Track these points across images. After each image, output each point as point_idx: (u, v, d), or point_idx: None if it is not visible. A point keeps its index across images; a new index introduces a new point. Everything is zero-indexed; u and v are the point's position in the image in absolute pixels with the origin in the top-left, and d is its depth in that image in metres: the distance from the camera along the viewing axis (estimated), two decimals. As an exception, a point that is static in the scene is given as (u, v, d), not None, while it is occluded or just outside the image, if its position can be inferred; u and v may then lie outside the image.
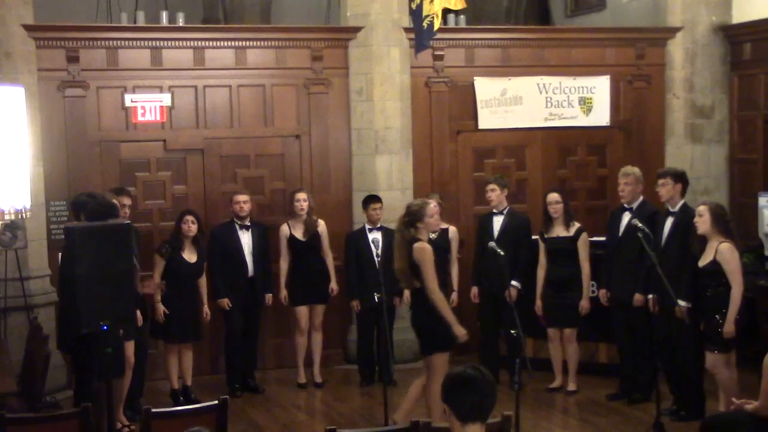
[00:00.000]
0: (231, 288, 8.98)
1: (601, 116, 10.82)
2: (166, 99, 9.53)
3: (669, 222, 8.06)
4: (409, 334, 9.39)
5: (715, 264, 7.30)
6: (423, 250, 7.06)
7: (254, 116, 9.85)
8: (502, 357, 8.84)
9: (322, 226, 9.30)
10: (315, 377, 9.37)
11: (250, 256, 9.04)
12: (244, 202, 9.02)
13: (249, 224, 9.10)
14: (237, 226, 9.07)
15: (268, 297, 9.22)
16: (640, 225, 7.65)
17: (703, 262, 7.40)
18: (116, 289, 6.10)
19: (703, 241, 7.42)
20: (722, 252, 7.26)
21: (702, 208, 7.43)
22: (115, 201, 7.68)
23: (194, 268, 8.70)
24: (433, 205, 7.23)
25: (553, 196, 8.80)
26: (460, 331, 7.13)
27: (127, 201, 8.34)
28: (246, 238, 9.06)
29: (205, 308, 8.83)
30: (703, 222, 7.36)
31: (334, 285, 9.31)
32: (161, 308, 8.49)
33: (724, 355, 7.35)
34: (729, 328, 7.25)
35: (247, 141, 9.84)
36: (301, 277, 9.23)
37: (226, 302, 8.96)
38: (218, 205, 9.54)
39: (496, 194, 8.99)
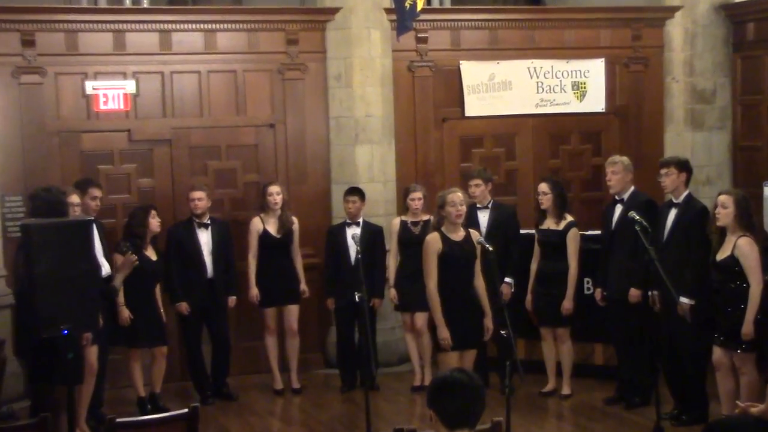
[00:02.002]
0: (189, 291, 8.94)
1: (595, 102, 10.85)
2: (130, 86, 9.49)
3: (672, 214, 8.04)
4: (392, 336, 9.95)
5: (732, 259, 7.24)
6: (425, 242, 7.29)
7: (225, 104, 9.85)
8: (492, 359, 8.77)
9: (295, 224, 9.32)
10: (292, 383, 9.37)
11: (209, 256, 8.98)
12: (198, 199, 8.95)
13: (208, 222, 9.06)
14: (195, 225, 9.02)
15: (231, 300, 9.16)
16: (637, 218, 7.62)
17: (720, 256, 7.33)
18: (78, 291, 6.04)
19: (722, 233, 7.37)
20: (741, 247, 7.20)
21: (725, 198, 7.34)
22: (74, 196, 7.68)
23: (156, 267, 8.68)
24: (452, 194, 7.31)
25: (542, 186, 8.84)
26: (442, 334, 7.20)
27: (97, 193, 8.33)
28: (205, 237, 9.02)
29: (161, 310, 8.79)
30: (726, 214, 7.29)
31: (304, 286, 9.31)
32: (126, 312, 8.41)
33: (751, 354, 7.27)
34: (747, 329, 7.17)
35: (218, 131, 9.83)
36: (270, 276, 9.21)
37: (184, 307, 8.93)
38: (187, 200, 9.37)
39: (480, 189, 8.99)
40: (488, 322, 7.42)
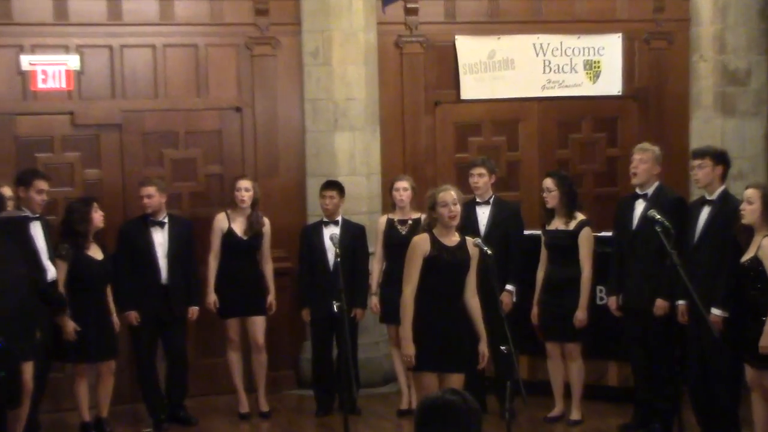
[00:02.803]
0: (140, 298, 8.93)
1: (611, 84, 10.88)
2: (73, 61, 9.46)
3: (705, 212, 8.04)
4: (376, 352, 9.98)
5: (755, 261, 7.24)
6: (412, 241, 7.27)
7: (184, 84, 9.84)
8: (490, 379, 8.81)
9: (266, 225, 9.33)
10: (260, 405, 9.37)
11: (164, 260, 8.97)
12: (148, 196, 8.94)
13: (164, 220, 9.04)
14: (148, 223, 9.01)
15: (192, 311, 9.14)
16: (657, 217, 7.59)
17: (745, 258, 7.34)
18: (12, 297, 6.00)
19: (749, 232, 7.38)
20: (765, 247, 7.20)
21: (752, 193, 7.35)
22: (5, 188, 7.66)
23: (105, 267, 8.68)
24: (444, 193, 7.24)
25: (547, 182, 8.83)
26: (405, 349, 7.16)
27: (43, 186, 8.34)
28: (160, 237, 9.01)
29: (114, 318, 8.79)
30: (752, 210, 7.31)
31: (272, 298, 9.32)
32: (71, 324, 8.37)
33: None
34: (765, 341, 7.14)
35: (176, 114, 9.83)
36: (232, 282, 9.22)
37: (133, 316, 8.91)
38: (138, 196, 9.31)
39: (484, 180, 8.99)
40: (483, 347, 7.33)
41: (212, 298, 9.18)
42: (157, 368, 9.13)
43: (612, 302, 8.66)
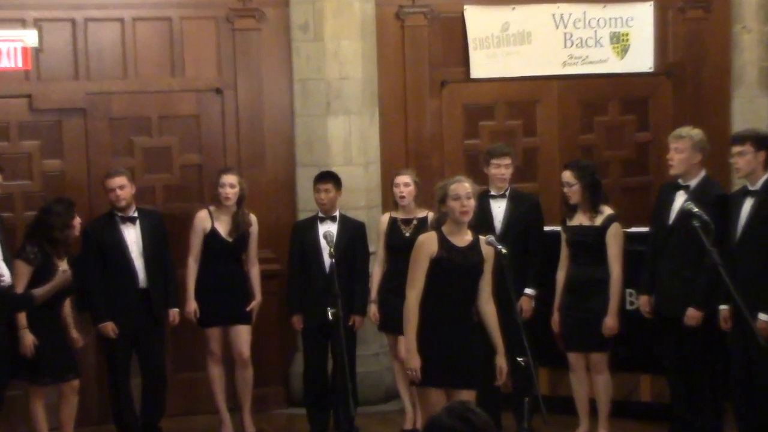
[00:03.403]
0: (116, 307, 8.92)
1: (641, 59, 10.87)
2: (30, 37, 9.43)
3: (748, 205, 8.04)
4: (376, 365, 10.02)
5: None
6: (417, 241, 7.30)
7: (157, 62, 9.87)
8: (506, 395, 8.80)
9: (254, 223, 9.38)
10: (245, 426, 9.38)
11: (140, 260, 9.00)
12: (120, 187, 8.92)
13: (135, 215, 9.06)
14: (118, 219, 9.00)
15: (173, 313, 9.17)
16: (695, 210, 7.61)
17: None
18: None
19: None
20: None
21: None
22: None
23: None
24: (457, 185, 7.23)
25: (566, 176, 8.82)
26: (409, 362, 7.17)
27: None
28: (133, 235, 9.03)
29: (74, 333, 8.74)
30: None
31: (256, 304, 9.36)
32: (29, 337, 8.33)
33: None
34: None
35: (148, 97, 9.86)
36: (214, 287, 9.24)
37: (110, 328, 8.89)
38: (105, 190, 9.24)
39: (510, 172, 9.06)
40: (501, 361, 7.34)
41: (192, 306, 9.20)
42: (130, 385, 9.11)
43: (644, 302, 8.64)
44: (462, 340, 7.18)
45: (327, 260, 8.84)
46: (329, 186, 9.20)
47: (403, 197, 9.12)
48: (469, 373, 7.21)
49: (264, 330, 9.58)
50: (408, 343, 7.17)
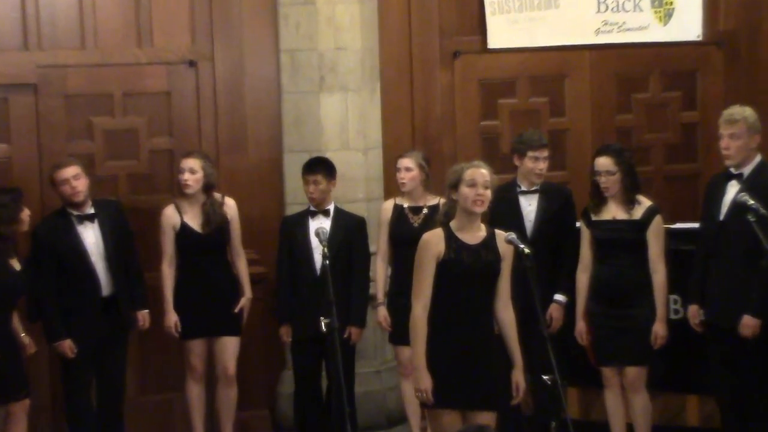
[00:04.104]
0: (74, 321, 8.88)
1: (687, 26, 10.88)
2: (-30, 2, 9.39)
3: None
4: (378, 383, 10.06)
5: None
6: (421, 241, 7.26)
7: (121, 31, 9.83)
8: (528, 418, 8.95)
9: (232, 208, 9.37)
10: (227, 454, 9.47)
11: (102, 263, 8.96)
12: (74, 177, 8.84)
13: (92, 211, 8.99)
14: (73, 219, 8.93)
15: (142, 315, 9.18)
16: (750, 202, 7.67)
17: None
18: None
19: None
20: None
21: None
22: None
23: (20, 280, 8.62)
24: (474, 170, 7.23)
25: (605, 163, 8.73)
26: (420, 383, 7.17)
27: None
28: (91, 236, 8.97)
29: (25, 338, 8.69)
30: None
31: (246, 302, 9.34)
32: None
33: None
34: None
35: (110, 71, 9.83)
36: (196, 292, 9.24)
37: (67, 347, 8.83)
38: (55, 183, 9.13)
39: (547, 164, 9.12)
40: (518, 377, 7.36)
41: (173, 318, 9.21)
42: (92, 405, 9.11)
43: (693, 312, 8.61)
44: (479, 353, 7.17)
45: (318, 261, 8.82)
46: (319, 177, 9.17)
47: (403, 183, 9.16)
48: (488, 391, 7.20)
49: (247, 343, 9.53)
50: (416, 361, 7.17)
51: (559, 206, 9.09)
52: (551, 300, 8.88)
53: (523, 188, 9.03)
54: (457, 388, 7.10)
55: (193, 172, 9.08)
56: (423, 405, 7.35)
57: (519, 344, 7.60)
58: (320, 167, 9.17)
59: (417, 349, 7.15)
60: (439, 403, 7.10)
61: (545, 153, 9.05)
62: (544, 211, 9.01)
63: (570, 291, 8.97)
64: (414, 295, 7.19)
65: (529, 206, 9.03)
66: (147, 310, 9.16)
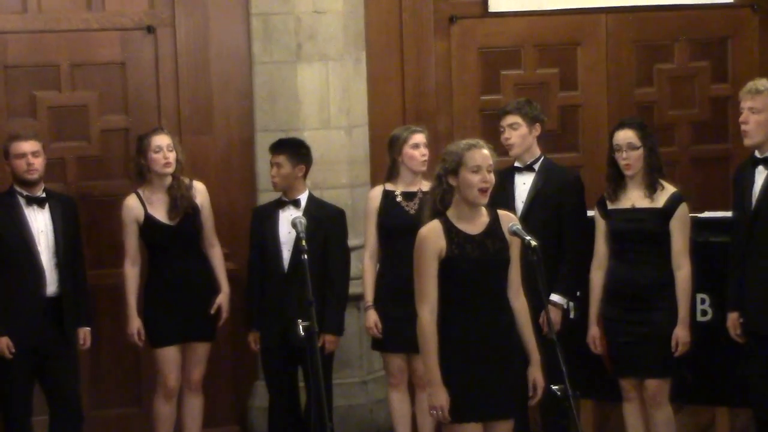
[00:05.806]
0: (13, 318, 8.62)
1: None
2: None
3: None
4: (363, 396, 9.99)
5: None
6: (418, 237, 7.04)
7: None
8: None
9: (201, 193, 9.20)
10: (192, 473, 9.48)
11: (48, 254, 8.69)
12: (33, 154, 8.62)
13: (43, 195, 8.76)
14: (20, 200, 8.65)
15: (83, 333, 8.90)
16: None
17: None
18: None
19: None
20: None
21: None
22: None
23: None
24: (475, 151, 6.93)
25: (627, 136, 8.37)
26: (435, 399, 6.87)
27: None
28: (41, 222, 8.73)
29: None
30: None
31: (223, 298, 9.08)
32: None
33: None
34: None
35: (55, 39, 9.70)
36: (166, 293, 9.06)
37: (5, 344, 8.55)
38: (7, 157, 8.96)
39: (518, 134, 8.73)
40: (535, 373, 7.14)
41: (136, 324, 9.05)
42: (32, 423, 8.87)
43: (733, 321, 8.25)
44: (500, 356, 7.00)
45: (287, 258, 8.71)
46: (281, 159, 8.96)
47: (425, 161, 8.91)
48: (508, 396, 7.08)
49: (214, 351, 9.35)
50: (430, 374, 6.93)
51: (556, 188, 8.77)
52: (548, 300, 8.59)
53: (517, 165, 8.84)
54: (477, 398, 6.95)
55: (171, 149, 8.91)
56: (439, 422, 7.16)
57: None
58: (284, 148, 8.99)
59: (429, 362, 6.93)
60: (458, 417, 6.89)
61: (508, 120, 8.74)
62: (537, 192, 8.76)
63: (570, 291, 8.78)
64: (418, 300, 6.96)
65: (523, 185, 8.83)
66: (89, 328, 8.90)
